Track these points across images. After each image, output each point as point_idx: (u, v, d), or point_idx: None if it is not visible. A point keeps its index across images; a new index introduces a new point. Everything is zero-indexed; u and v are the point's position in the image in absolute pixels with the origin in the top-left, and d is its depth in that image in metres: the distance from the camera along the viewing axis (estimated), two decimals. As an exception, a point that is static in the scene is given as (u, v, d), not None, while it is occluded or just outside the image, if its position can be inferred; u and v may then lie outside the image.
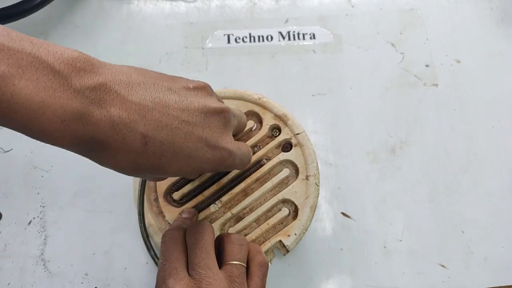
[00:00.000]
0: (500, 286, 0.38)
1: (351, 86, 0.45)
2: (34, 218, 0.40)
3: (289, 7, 0.49)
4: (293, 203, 0.35)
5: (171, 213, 0.35)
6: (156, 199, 0.36)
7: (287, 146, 0.37)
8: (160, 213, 0.36)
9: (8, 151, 0.43)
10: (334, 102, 0.45)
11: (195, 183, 0.36)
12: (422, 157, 0.42)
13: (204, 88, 0.27)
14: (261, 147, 0.37)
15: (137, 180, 0.37)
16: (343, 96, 0.45)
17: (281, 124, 0.37)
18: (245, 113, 0.38)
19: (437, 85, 0.45)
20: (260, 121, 0.38)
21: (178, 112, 0.24)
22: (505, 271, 0.38)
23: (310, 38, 0.48)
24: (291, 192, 0.35)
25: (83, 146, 0.22)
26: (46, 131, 0.20)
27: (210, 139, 0.26)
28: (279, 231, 0.35)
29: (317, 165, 0.36)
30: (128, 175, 0.25)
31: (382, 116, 0.44)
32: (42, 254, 0.39)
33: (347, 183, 0.41)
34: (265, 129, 0.37)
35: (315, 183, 0.35)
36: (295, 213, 0.35)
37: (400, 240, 0.39)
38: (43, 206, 0.40)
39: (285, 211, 0.35)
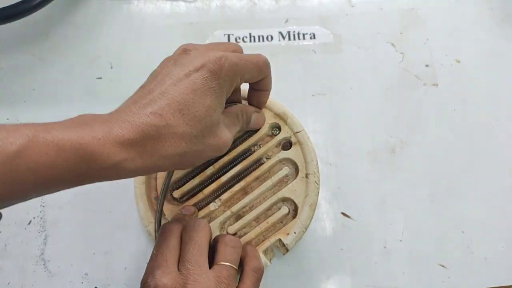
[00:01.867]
0: (500, 286, 0.38)
1: (351, 86, 0.45)
2: (34, 218, 0.40)
3: (289, 7, 0.49)
4: (292, 201, 0.35)
5: (172, 212, 0.35)
6: (157, 198, 0.36)
7: (287, 144, 0.37)
8: (161, 211, 0.36)
9: (8, 151, 0.43)
10: (334, 102, 0.45)
11: (195, 181, 0.36)
12: (422, 157, 0.42)
13: (165, 64, 0.29)
14: (261, 145, 0.37)
15: (138, 180, 0.37)
16: (343, 96, 0.45)
17: (281, 123, 0.37)
18: None
19: (437, 85, 0.45)
20: None
21: (159, 83, 0.27)
22: (505, 271, 0.38)
23: (310, 38, 0.48)
24: (291, 190, 0.35)
25: (129, 150, 0.25)
26: (94, 153, 0.23)
27: (191, 66, 0.27)
28: (278, 229, 0.35)
29: (317, 163, 0.36)
30: (194, 155, 0.28)
31: (382, 116, 0.44)
32: (42, 254, 0.39)
33: (347, 183, 0.41)
34: (265, 128, 0.37)
35: (315, 181, 0.35)
36: (294, 211, 0.35)
37: (400, 240, 0.39)
38: (43, 206, 0.40)
39: (284, 209, 0.35)
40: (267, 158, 0.37)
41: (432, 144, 0.43)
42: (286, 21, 0.49)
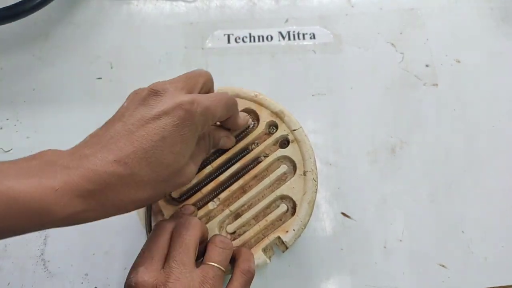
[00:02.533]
0: (500, 286, 0.38)
1: (351, 86, 0.45)
2: (34, 218, 0.40)
3: (289, 7, 0.49)
4: (291, 199, 0.35)
5: (170, 212, 0.35)
6: None
7: (284, 142, 0.37)
8: (159, 211, 0.36)
9: (8, 151, 0.43)
10: (334, 102, 0.45)
11: (193, 181, 0.36)
12: (422, 157, 0.42)
13: (130, 100, 0.28)
14: (258, 144, 0.37)
15: None
16: (343, 96, 0.45)
17: (278, 121, 0.37)
18: (241, 110, 0.38)
19: (437, 85, 0.45)
20: (257, 118, 0.38)
21: (123, 129, 0.26)
22: (505, 271, 0.38)
23: (310, 38, 0.48)
24: (289, 188, 0.35)
25: (89, 201, 0.24)
26: (50, 204, 0.23)
27: (157, 110, 0.26)
28: (277, 227, 0.35)
29: (315, 160, 0.36)
30: (161, 196, 0.28)
31: (382, 116, 0.44)
32: (42, 254, 0.39)
33: (347, 183, 0.41)
34: (262, 126, 0.37)
35: (313, 179, 0.35)
36: (293, 209, 0.35)
37: (400, 240, 0.39)
38: (43, 206, 0.40)
39: (283, 207, 0.35)
40: (264, 156, 0.37)
41: (432, 144, 0.43)
42: (286, 21, 0.49)
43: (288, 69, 0.46)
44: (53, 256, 0.39)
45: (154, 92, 0.27)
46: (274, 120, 0.37)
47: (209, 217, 0.35)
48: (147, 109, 0.26)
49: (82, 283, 0.38)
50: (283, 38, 0.48)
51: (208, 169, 0.36)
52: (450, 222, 0.40)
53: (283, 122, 0.37)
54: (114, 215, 0.26)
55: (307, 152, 0.36)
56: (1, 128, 0.44)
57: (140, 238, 0.39)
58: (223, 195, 0.35)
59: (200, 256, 0.30)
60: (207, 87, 0.32)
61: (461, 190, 0.41)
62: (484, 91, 0.45)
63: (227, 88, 0.38)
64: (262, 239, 0.35)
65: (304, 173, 0.35)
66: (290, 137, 0.37)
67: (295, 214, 0.35)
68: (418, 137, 0.43)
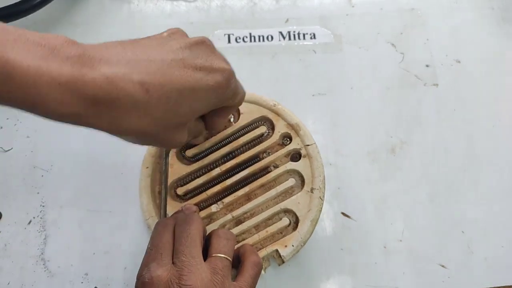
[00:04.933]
0: (500, 286, 0.38)
1: (351, 86, 0.45)
2: (34, 217, 0.40)
3: (289, 7, 0.49)
4: (294, 214, 0.35)
5: (173, 208, 0.35)
6: (160, 192, 0.36)
7: (296, 156, 0.37)
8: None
9: (8, 150, 0.43)
10: (334, 102, 0.45)
11: (200, 181, 0.36)
12: (422, 157, 0.42)
13: (177, 31, 0.28)
14: (270, 153, 0.37)
15: (144, 172, 0.37)
16: (343, 96, 0.45)
17: (292, 133, 0.37)
18: (258, 118, 0.38)
19: (437, 85, 0.45)
20: (272, 127, 0.38)
21: (163, 56, 0.25)
22: (505, 271, 0.38)
23: (311, 38, 0.48)
24: (294, 202, 0.35)
25: (90, 108, 0.22)
26: (48, 97, 0.21)
27: (204, 65, 0.26)
28: (277, 240, 0.34)
29: (324, 179, 0.35)
30: (150, 140, 0.27)
31: (382, 116, 0.44)
32: (42, 254, 0.39)
33: (347, 183, 0.41)
34: (276, 136, 0.37)
35: (319, 197, 0.35)
36: (295, 224, 0.35)
37: (400, 240, 0.39)
38: (43, 206, 0.40)
39: (285, 221, 0.35)
40: (274, 167, 0.37)
41: (432, 144, 0.43)
42: (286, 21, 0.49)
43: (288, 69, 0.46)
44: (53, 256, 0.39)
45: (206, 44, 0.27)
46: (289, 132, 0.37)
47: (210, 219, 0.35)
48: (194, 55, 0.26)
49: (82, 283, 0.38)
50: (284, 38, 0.48)
51: (216, 171, 0.36)
52: (450, 222, 0.40)
53: (298, 135, 0.37)
54: (106, 131, 0.24)
55: (318, 169, 0.36)
56: (1, 127, 0.44)
57: (140, 238, 0.39)
58: (227, 200, 0.35)
59: (203, 251, 0.30)
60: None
61: (461, 190, 0.41)
62: (484, 91, 0.45)
63: (248, 93, 0.38)
64: (260, 249, 0.34)
65: (312, 190, 0.35)
66: (303, 152, 0.36)
67: (297, 229, 0.34)
68: (418, 137, 0.43)
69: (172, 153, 0.37)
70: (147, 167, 0.37)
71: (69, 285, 0.38)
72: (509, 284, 0.38)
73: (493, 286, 0.38)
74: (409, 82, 0.45)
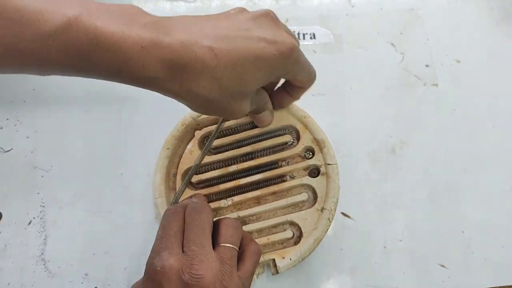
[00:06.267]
0: (500, 286, 0.38)
1: (351, 86, 0.45)
2: (34, 218, 0.40)
3: (289, 7, 0.49)
4: (299, 228, 0.35)
5: (184, 194, 0.35)
6: (175, 175, 0.37)
7: (314, 171, 0.37)
8: (174, 189, 0.36)
9: (8, 151, 0.43)
10: (334, 102, 0.45)
11: (216, 173, 0.36)
12: (422, 157, 0.42)
13: (243, 9, 0.29)
14: (289, 163, 0.37)
15: (163, 153, 0.37)
16: (343, 96, 0.45)
17: (316, 149, 0.37)
18: (285, 126, 0.38)
19: (437, 85, 0.45)
20: (298, 138, 0.38)
21: (231, 26, 0.27)
22: (505, 271, 0.38)
23: (310, 38, 0.48)
24: (302, 217, 0.35)
25: (166, 71, 0.24)
26: (132, 60, 0.23)
27: (268, 35, 0.27)
28: (276, 249, 0.35)
29: (337, 201, 0.35)
30: (215, 108, 0.28)
31: (382, 116, 0.44)
32: (42, 254, 0.39)
33: (347, 183, 0.41)
34: (299, 148, 0.37)
35: (328, 218, 0.35)
36: (298, 238, 0.35)
37: (400, 240, 0.39)
38: (43, 206, 0.40)
39: (289, 233, 0.35)
40: (291, 177, 0.37)
41: (432, 144, 0.43)
42: (286, 21, 0.49)
43: (288, 69, 0.46)
44: (53, 256, 0.39)
45: (270, 16, 0.29)
46: (313, 146, 0.37)
47: (217, 213, 0.35)
48: (258, 25, 0.28)
49: (82, 283, 0.38)
50: (283, 38, 0.48)
51: (233, 167, 0.36)
52: (450, 222, 0.40)
53: (321, 152, 0.37)
54: (178, 97, 0.26)
55: (333, 191, 0.35)
56: (1, 128, 0.44)
57: (140, 238, 0.39)
58: (237, 198, 0.35)
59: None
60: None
61: (461, 190, 0.41)
62: (484, 91, 0.45)
63: None
64: None
65: (322, 210, 0.35)
66: (322, 170, 0.36)
67: (298, 244, 0.34)
68: (418, 137, 0.43)
69: (195, 140, 0.37)
70: (168, 148, 0.37)
71: (69, 285, 0.38)
72: (509, 284, 0.38)
73: (493, 286, 0.38)
74: (409, 82, 0.45)
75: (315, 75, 0.33)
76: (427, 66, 0.46)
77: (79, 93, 0.45)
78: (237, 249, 0.30)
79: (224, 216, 0.34)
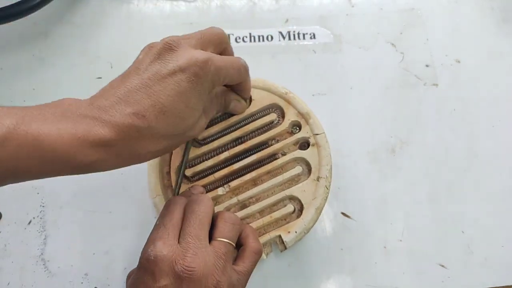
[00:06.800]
0: (500, 286, 0.38)
1: (351, 86, 0.45)
2: (34, 218, 0.40)
3: (289, 7, 0.49)
4: (299, 201, 0.35)
5: (182, 189, 0.36)
6: (168, 173, 0.37)
7: (304, 144, 0.37)
8: (170, 186, 0.36)
9: (8, 151, 0.43)
10: (334, 102, 0.45)
11: (208, 163, 0.36)
12: (422, 157, 0.42)
13: (148, 50, 0.28)
14: (278, 141, 0.37)
15: (152, 166, 0.37)
16: (343, 96, 0.45)
17: (302, 122, 0.37)
18: (269, 105, 0.38)
19: (437, 85, 0.45)
20: (282, 115, 0.38)
21: (141, 78, 0.26)
22: (505, 271, 0.38)
23: (310, 38, 0.48)
24: (300, 190, 0.35)
25: (108, 151, 0.25)
26: (76, 152, 0.24)
27: (178, 64, 0.27)
28: (280, 226, 0.35)
29: (331, 168, 0.36)
30: (175, 146, 0.30)
31: (382, 116, 0.44)
32: (42, 254, 0.39)
33: (347, 183, 0.41)
34: (285, 124, 0.37)
35: (325, 186, 0.35)
36: (300, 211, 0.35)
37: (400, 240, 0.39)
38: (43, 206, 0.40)
39: (290, 207, 0.35)
40: (282, 154, 0.37)
41: (432, 144, 0.43)
42: (286, 21, 0.49)
43: (288, 69, 0.46)
44: (53, 256, 0.39)
45: (168, 47, 0.28)
46: (299, 120, 0.37)
47: (216, 201, 0.36)
48: (162, 64, 0.27)
49: (82, 283, 0.38)
50: (283, 38, 0.48)
51: (225, 155, 0.36)
52: (450, 222, 0.40)
53: (308, 124, 0.37)
54: (130, 164, 0.27)
55: (325, 158, 0.36)
56: (1, 128, 0.44)
57: (140, 238, 0.39)
58: (234, 183, 0.36)
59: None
60: (221, 46, 0.32)
61: (461, 190, 0.41)
62: (484, 91, 0.45)
63: (261, 80, 0.38)
64: (263, 234, 0.35)
65: (318, 179, 0.35)
66: (311, 141, 0.36)
67: (301, 217, 0.35)
68: (418, 137, 0.43)
69: None
70: None
71: (69, 285, 0.38)
72: (509, 284, 0.38)
73: (493, 286, 0.38)
74: (409, 82, 0.45)
75: (244, 66, 0.32)
76: (427, 66, 0.46)
77: (79, 93, 0.45)
78: (233, 244, 0.30)
79: (223, 210, 0.34)
